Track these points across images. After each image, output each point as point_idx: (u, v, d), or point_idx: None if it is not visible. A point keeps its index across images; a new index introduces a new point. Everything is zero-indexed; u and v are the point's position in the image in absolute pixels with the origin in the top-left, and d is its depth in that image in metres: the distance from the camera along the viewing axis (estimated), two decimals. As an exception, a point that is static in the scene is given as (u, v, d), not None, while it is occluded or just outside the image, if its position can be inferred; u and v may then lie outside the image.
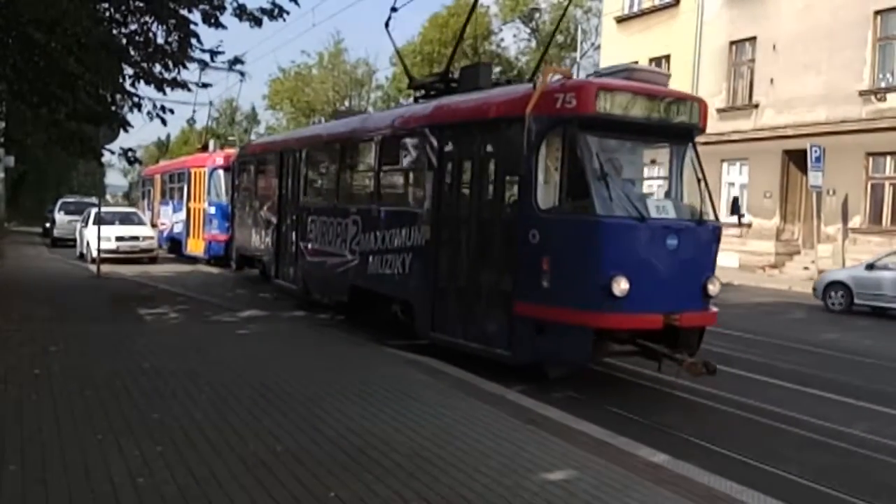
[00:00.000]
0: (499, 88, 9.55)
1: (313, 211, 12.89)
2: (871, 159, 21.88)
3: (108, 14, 10.98)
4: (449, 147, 9.20)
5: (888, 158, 21.62)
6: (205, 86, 12.23)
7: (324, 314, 12.81)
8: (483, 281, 8.52)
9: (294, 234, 13.65)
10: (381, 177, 10.95)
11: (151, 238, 22.63)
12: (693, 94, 9.49)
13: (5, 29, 10.22)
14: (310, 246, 12.85)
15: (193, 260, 23.01)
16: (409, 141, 10.45)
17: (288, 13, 10.86)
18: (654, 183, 10.44)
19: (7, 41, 10.52)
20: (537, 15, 43.77)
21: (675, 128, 8.29)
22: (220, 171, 21.49)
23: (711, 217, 8.36)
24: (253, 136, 58.81)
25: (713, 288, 7.94)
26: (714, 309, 8.15)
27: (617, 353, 8.31)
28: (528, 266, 7.77)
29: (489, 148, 8.70)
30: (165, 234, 26.32)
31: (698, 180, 8.41)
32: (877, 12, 21.86)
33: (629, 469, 5.09)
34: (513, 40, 47.49)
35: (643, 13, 31.18)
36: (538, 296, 7.70)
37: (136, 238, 21.88)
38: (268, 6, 10.71)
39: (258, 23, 10.81)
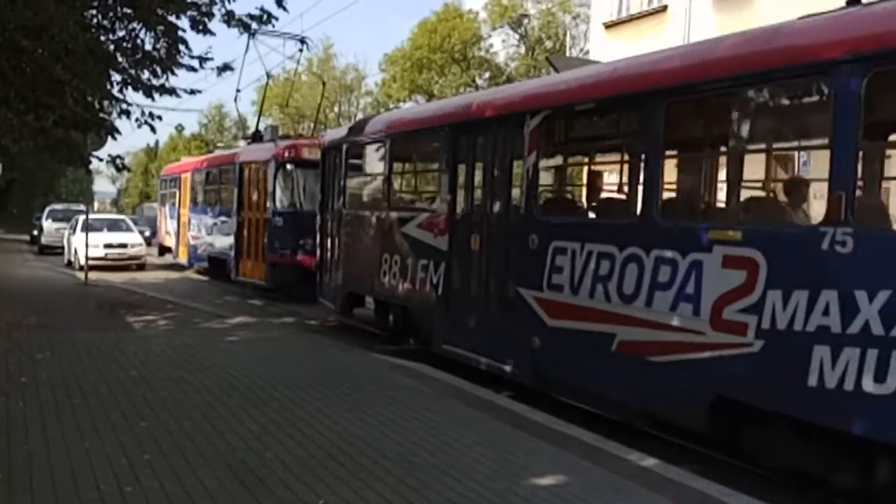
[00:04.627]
0: None
1: (571, 234, 6.92)
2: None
3: (95, 20, 10.94)
4: None
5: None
6: (193, 92, 12.18)
7: (313, 320, 12.75)
8: None
9: (505, 273, 7.72)
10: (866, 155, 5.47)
11: (140, 245, 22.51)
12: None
13: (-9, 35, 10.19)
14: (560, 300, 6.92)
15: (251, 286, 17.00)
16: None
17: (276, 19, 10.85)
18: None
19: (-7, 48, 10.48)
20: (526, 21, 43.90)
21: None
22: (291, 168, 15.80)
23: None
24: (241, 143, 58.44)
25: None
26: None
27: None
28: None
29: None
30: (200, 251, 20.44)
31: None
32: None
33: (619, 473, 5.08)
34: (501, 46, 47.49)
35: (632, 18, 31.26)
36: None
37: (124, 245, 21.82)
38: (256, 12, 10.71)
39: (247, 29, 10.81)
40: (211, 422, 5.96)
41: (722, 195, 7.13)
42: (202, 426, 5.83)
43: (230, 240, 17.84)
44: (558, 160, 8.56)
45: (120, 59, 10.93)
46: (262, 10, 10.68)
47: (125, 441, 5.38)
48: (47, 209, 32.13)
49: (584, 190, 7.84)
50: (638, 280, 6.09)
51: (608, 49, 30.83)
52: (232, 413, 6.24)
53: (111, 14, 10.84)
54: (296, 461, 5.07)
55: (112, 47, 10.90)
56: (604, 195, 7.96)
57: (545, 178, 7.78)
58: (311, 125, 44.90)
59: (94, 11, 10.90)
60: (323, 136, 14.53)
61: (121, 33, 10.97)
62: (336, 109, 52.36)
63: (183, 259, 22.19)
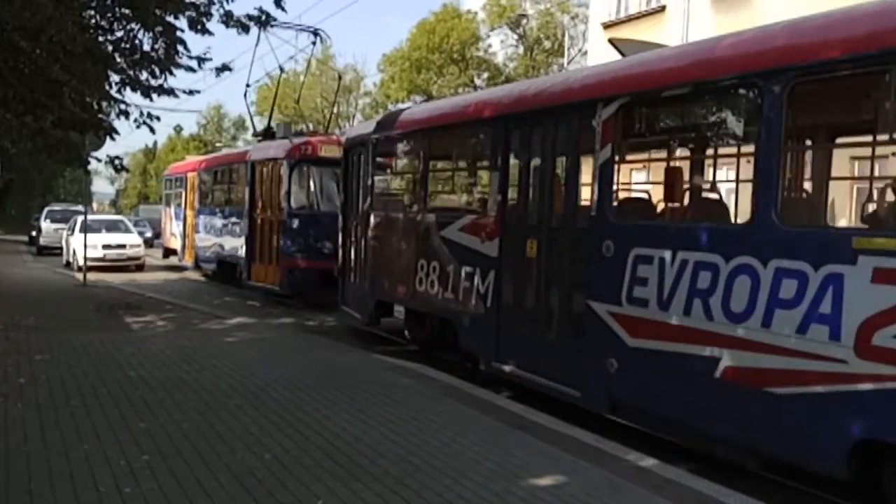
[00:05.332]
0: None
1: (658, 240, 5.93)
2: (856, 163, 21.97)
3: (93, 21, 10.93)
4: None
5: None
6: (191, 92, 12.17)
7: (312, 320, 12.75)
8: None
9: (570, 284, 6.87)
10: None
11: (138, 246, 22.48)
12: None
13: (-11, 36, 10.17)
14: (644, 317, 5.92)
15: (263, 290, 15.72)
16: None
17: (275, 19, 10.87)
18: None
19: (-9, 49, 10.47)
20: (524, 21, 43.92)
21: None
22: (307, 166, 14.67)
23: None
24: (241, 143, 58.14)
25: None
26: None
27: None
28: None
29: None
30: (209, 253, 19.26)
31: None
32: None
33: (619, 473, 5.08)
34: (500, 46, 47.56)
35: (630, 19, 31.25)
36: None
37: (122, 246, 21.80)
38: (255, 13, 10.70)
39: (245, 29, 10.79)
40: (209, 423, 5.96)
41: (866, 195, 5.77)
42: (201, 427, 5.83)
43: (241, 242, 16.74)
44: (639, 154, 7.49)
45: (118, 60, 10.92)
46: (260, 10, 10.69)
47: (124, 442, 5.38)
48: (46, 210, 32.10)
49: (675, 188, 6.47)
50: (751, 296, 5.05)
51: (607, 49, 30.90)
52: (231, 414, 6.23)
53: (109, 14, 10.83)
54: (294, 462, 5.07)
55: (110, 48, 10.89)
56: (702, 194, 6.76)
57: (622, 176, 6.62)
58: (311, 126, 44.92)
59: (93, 12, 10.89)
60: (344, 133, 13.44)
61: (119, 34, 10.96)
62: (335, 110, 52.32)
63: (189, 262, 21.23)
